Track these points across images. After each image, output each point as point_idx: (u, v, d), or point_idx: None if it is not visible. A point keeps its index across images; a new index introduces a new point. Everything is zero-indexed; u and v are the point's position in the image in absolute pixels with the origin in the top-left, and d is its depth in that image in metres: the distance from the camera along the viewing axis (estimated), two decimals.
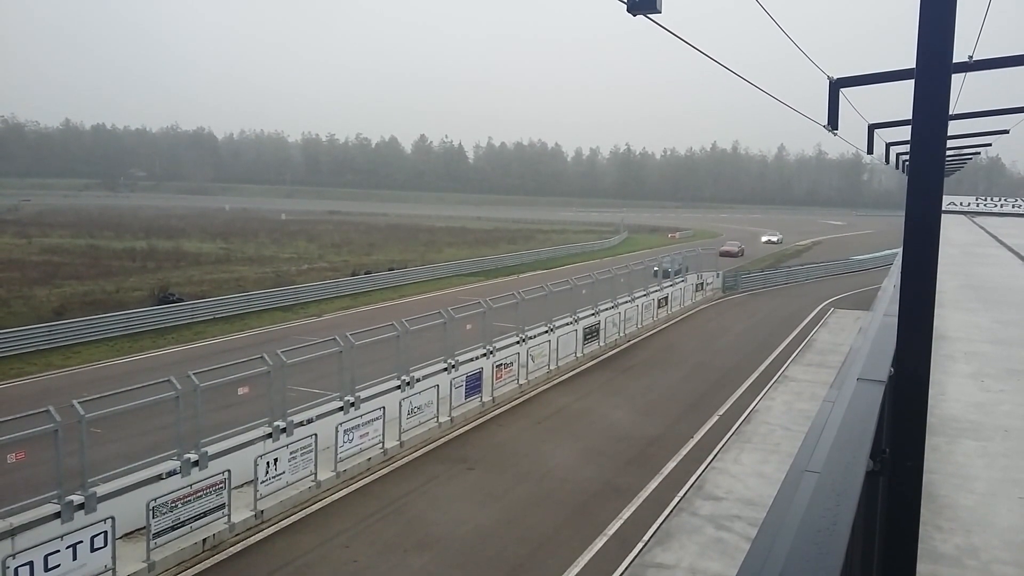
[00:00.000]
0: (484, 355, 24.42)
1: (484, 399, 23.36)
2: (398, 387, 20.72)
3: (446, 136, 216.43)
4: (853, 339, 8.68)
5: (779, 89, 12.13)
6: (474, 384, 22.98)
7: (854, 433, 2.77)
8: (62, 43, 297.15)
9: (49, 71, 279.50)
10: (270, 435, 16.93)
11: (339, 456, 17.80)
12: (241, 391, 16.99)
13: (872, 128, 15.96)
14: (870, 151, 17.17)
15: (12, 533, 12.17)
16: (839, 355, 22.15)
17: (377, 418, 18.96)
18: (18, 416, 13.22)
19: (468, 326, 24.71)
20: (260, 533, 15.32)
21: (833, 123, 11.21)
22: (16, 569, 11.51)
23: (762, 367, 29.01)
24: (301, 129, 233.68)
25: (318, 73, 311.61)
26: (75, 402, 13.56)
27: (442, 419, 21.29)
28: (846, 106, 11.37)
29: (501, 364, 24.50)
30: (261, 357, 17.47)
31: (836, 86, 10.91)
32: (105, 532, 12.75)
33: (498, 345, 25.32)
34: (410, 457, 19.52)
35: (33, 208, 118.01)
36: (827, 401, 3.26)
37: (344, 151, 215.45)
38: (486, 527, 15.84)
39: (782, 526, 1.99)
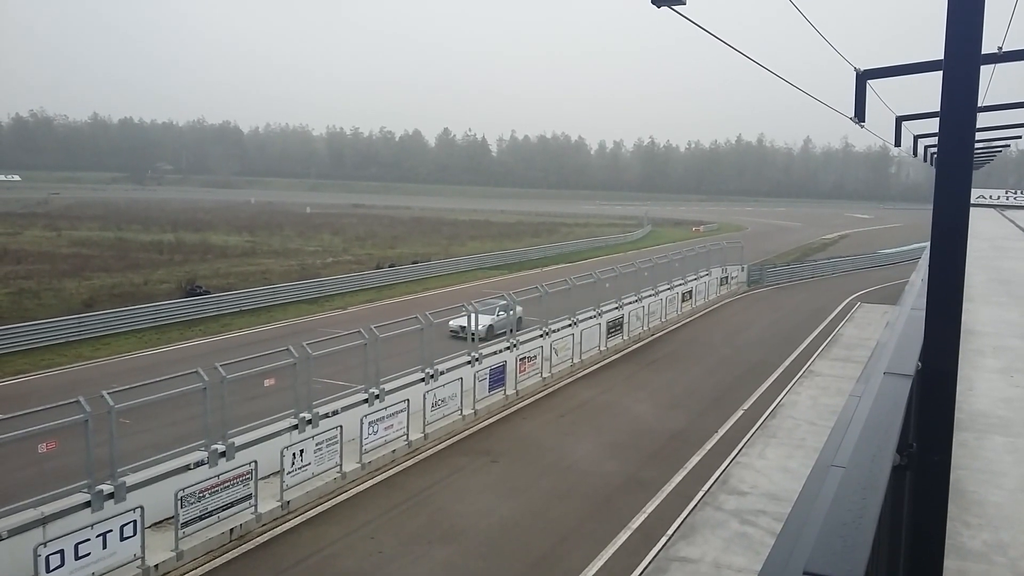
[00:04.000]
0: (508, 348, 24.47)
1: (508, 392, 23.40)
2: (422, 379, 20.83)
3: (469, 130, 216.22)
4: (880, 333, 8.62)
5: (805, 81, 12.04)
6: (498, 377, 23.03)
7: (881, 427, 2.76)
8: (90, 38, 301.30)
9: (77, 66, 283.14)
10: (296, 426, 17.11)
11: (364, 448, 17.92)
12: (267, 383, 17.17)
13: (899, 120, 15.81)
14: (898, 144, 17.01)
15: (43, 522, 12.41)
16: (865, 349, 21.97)
17: (402, 410, 19.07)
18: (49, 407, 13.44)
19: None
20: (286, 523, 15.47)
21: (860, 115, 11.11)
22: (47, 557, 11.71)
23: (788, 361, 28.80)
24: (326, 123, 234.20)
25: (343, 67, 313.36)
26: (104, 393, 13.78)
27: (466, 412, 21.36)
28: (873, 98, 11.27)
29: (525, 357, 24.52)
30: (287, 349, 17.63)
31: (863, 78, 10.81)
32: (134, 521, 12.95)
33: (522, 339, 25.37)
34: (434, 449, 19.61)
35: (62, 201, 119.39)
36: (853, 395, 3.25)
37: (368, 144, 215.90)
38: (510, 519, 15.88)
39: (808, 520, 2.00)
